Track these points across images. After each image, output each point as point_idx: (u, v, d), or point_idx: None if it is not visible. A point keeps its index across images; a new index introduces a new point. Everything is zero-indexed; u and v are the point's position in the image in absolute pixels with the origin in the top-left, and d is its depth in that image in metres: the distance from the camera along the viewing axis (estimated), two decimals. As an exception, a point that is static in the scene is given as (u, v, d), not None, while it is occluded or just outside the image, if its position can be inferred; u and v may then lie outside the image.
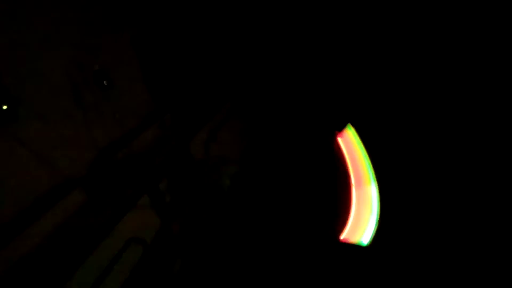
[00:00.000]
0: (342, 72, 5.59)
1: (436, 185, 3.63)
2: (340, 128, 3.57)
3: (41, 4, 2.55)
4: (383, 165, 3.70)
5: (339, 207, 3.27)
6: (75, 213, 2.42)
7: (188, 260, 2.86)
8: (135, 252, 2.34)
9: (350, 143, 3.28)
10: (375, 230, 2.73)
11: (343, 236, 2.88)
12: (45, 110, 2.49)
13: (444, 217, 2.98)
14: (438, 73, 4.41)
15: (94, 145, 2.83)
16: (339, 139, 3.36)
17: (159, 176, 2.89)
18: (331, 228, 3.11)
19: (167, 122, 3.69)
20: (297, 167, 4.32)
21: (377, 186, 2.94)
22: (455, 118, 3.79)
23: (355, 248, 2.85)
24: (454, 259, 2.62)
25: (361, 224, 2.82)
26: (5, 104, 2.12)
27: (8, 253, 1.98)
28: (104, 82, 2.75)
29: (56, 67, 2.63)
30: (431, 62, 4.53)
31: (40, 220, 2.21)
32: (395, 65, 5.10)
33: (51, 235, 2.22)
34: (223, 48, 5.50)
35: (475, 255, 2.47)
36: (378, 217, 2.77)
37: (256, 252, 3.26)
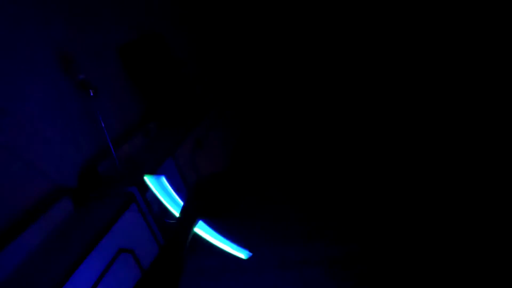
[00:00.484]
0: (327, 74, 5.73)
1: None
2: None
3: (24, 5, 2.51)
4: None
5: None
6: (62, 223, 2.37)
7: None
8: (124, 262, 2.31)
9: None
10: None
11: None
12: (30, 118, 2.45)
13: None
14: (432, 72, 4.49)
15: (79, 154, 2.79)
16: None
17: (146, 185, 2.86)
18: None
19: (152, 131, 3.68)
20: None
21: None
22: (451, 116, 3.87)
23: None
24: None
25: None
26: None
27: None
28: (90, 90, 2.72)
29: (39, 74, 2.59)
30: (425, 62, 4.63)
31: (25, 232, 2.16)
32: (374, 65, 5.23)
33: (37, 247, 2.17)
34: (209, 56, 5.54)
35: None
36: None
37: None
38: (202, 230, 1.17)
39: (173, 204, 1.31)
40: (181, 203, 1.27)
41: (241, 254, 1.23)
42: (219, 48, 5.77)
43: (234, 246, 1.21)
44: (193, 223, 1.03)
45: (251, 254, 1.22)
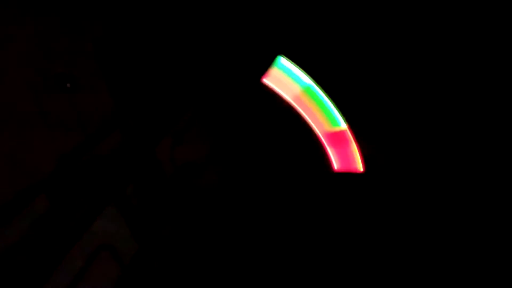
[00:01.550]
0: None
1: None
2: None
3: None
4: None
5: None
6: (39, 222, 2.33)
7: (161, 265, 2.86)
8: (104, 260, 2.30)
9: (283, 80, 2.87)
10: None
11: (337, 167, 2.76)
12: (4, 114, 2.38)
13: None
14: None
15: (56, 151, 2.73)
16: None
17: (126, 181, 2.85)
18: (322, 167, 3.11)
19: (131, 127, 3.63)
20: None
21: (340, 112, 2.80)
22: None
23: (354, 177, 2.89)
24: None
25: (346, 153, 2.68)
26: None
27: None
28: (67, 85, 2.66)
29: (13, 68, 2.52)
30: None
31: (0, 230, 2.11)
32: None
33: (14, 246, 2.13)
34: (186, 52, 5.47)
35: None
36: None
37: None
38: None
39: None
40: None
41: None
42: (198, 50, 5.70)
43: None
44: None
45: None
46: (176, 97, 4.25)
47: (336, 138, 2.81)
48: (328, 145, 2.87)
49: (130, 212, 2.69)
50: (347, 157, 2.84)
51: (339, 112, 2.70)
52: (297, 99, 2.84)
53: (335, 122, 2.71)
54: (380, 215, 3.12)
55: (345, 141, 2.76)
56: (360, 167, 2.68)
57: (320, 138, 2.85)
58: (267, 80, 2.79)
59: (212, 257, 3.04)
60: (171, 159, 3.50)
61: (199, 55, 5.75)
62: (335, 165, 2.86)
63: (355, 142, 2.80)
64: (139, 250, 2.63)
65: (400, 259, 2.65)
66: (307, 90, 2.81)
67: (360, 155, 2.73)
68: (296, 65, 2.91)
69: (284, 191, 3.70)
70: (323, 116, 2.72)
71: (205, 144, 4.37)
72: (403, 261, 2.62)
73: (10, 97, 2.47)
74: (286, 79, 2.79)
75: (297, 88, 2.81)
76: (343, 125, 2.67)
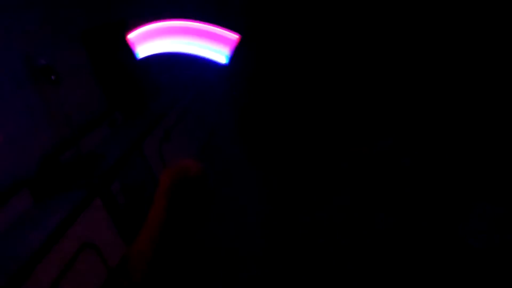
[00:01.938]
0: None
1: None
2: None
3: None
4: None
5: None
6: (20, 218, 2.24)
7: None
8: (88, 258, 2.23)
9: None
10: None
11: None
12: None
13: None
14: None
15: (40, 144, 2.64)
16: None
17: (112, 177, 2.77)
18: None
19: (118, 121, 3.55)
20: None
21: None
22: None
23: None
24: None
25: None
26: None
27: None
28: (52, 77, 2.57)
29: (-4, 59, 2.42)
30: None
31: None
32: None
33: (-7, 244, 2.04)
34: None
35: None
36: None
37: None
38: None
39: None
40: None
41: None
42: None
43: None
44: None
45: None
46: (165, 91, 4.18)
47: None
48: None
49: (116, 210, 2.62)
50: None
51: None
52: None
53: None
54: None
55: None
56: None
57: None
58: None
59: (204, 258, 2.98)
60: (159, 156, 3.43)
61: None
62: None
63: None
64: (127, 251, 2.56)
65: (399, 260, 2.66)
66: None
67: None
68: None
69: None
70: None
71: (194, 139, 4.31)
72: (403, 262, 2.63)
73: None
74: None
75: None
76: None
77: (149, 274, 0.98)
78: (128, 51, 2.14)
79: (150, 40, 2.35)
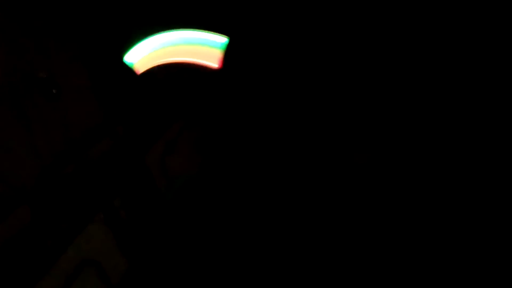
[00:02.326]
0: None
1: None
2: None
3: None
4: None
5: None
6: (19, 235, 2.17)
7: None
8: (89, 276, 2.15)
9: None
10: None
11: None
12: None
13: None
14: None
15: (40, 159, 2.58)
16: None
17: (113, 192, 2.71)
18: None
19: (119, 134, 3.50)
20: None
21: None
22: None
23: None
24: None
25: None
26: None
27: None
28: (53, 90, 2.53)
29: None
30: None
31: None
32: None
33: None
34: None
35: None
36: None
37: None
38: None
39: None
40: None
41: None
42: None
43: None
44: None
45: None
46: (168, 103, 4.13)
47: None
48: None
49: (118, 225, 2.55)
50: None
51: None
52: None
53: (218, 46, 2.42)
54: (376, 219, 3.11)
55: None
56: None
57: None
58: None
59: (208, 274, 2.90)
60: (162, 169, 3.37)
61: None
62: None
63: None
64: (130, 268, 2.48)
65: (395, 262, 2.63)
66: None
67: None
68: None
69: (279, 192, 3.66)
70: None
71: (198, 153, 4.25)
72: (398, 263, 2.60)
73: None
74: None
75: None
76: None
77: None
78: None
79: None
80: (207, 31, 2.20)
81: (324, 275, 2.74)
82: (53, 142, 2.72)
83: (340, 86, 5.09)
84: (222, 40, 2.23)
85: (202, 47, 2.28)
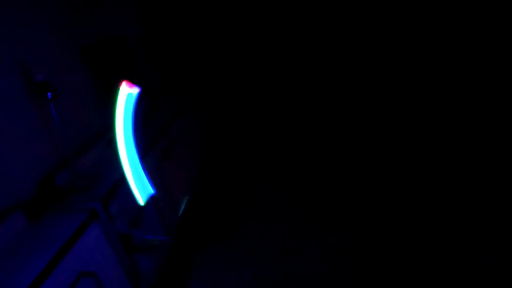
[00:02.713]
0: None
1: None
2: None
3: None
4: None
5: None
6: (14, 243, 2.09)
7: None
8: (85, 286, 2.07)
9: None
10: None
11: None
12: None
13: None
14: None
15: (36, 164, 2.50)
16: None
17: (110, 199, 2.63)
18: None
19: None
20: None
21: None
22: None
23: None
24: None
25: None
26: None
27: None
28: (49, 94, 2.46)
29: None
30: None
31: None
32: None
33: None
34: (176, 62, 5.34)
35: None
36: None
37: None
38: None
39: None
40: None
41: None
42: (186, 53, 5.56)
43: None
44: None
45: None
46: (164, 108, 4.08)
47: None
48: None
49: (114, 234, 2.47)
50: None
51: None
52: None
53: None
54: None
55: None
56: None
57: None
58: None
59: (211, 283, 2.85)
60: (160, 175, 3.30)
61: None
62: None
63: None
64: (128, 279, 2.40)
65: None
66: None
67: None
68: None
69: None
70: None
71: (195, 159, 4.20)
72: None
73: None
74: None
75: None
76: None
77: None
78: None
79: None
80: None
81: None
82: (50, 146, 2.65)
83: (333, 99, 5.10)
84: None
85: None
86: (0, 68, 2.33)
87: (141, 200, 2.47)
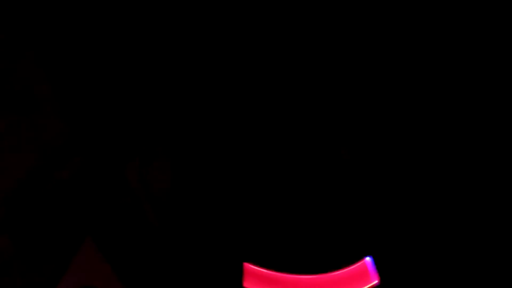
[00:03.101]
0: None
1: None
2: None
3: None
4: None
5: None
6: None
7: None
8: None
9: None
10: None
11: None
12: None
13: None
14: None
15: (11, 179, 2.29)
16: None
17: (95, 209, 2.49)
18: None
19: (93, 150, 3.25)
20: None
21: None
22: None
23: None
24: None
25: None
26: None
27: None
28: (24, 103, 2.28)
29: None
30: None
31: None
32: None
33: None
34: (146, 65, 5.15)
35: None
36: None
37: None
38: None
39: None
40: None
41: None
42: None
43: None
44: None
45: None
46: (143, 114, 3.92)
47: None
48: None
49: (108, 246, 2.33)
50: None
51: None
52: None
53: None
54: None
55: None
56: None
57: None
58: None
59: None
60: (142, 185, 3.17)
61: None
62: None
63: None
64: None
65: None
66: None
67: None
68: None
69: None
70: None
71: (174, 169, 4.08)
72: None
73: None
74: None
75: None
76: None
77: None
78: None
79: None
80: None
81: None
82: (24, 159, 2.44)
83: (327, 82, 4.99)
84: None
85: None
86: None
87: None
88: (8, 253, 1.96)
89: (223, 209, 3.59)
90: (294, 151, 3.78)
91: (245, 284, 2.13)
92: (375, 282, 2.39)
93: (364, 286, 2.33)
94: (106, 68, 3.46)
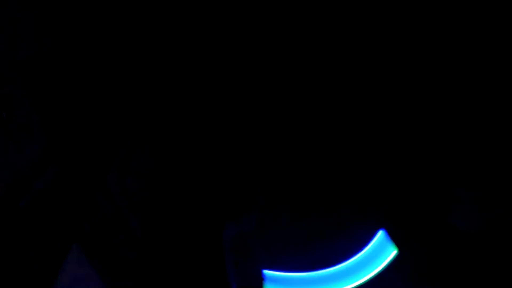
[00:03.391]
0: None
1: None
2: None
3: None
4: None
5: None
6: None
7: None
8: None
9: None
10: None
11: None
12: None
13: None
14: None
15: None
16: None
17: (79, 218, 2.49)
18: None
19: (71, 158, 3.21)
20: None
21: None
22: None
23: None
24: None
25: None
26: None
27: None
28: (3, 114, 2.26)
29: None
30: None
31: None
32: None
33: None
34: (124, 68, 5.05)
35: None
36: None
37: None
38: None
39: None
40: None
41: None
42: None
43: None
44: None
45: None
46: (122, 121, 3.88)
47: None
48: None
49: (94, 253, 2.35)
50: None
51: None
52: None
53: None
54: None
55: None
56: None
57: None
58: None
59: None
60: (122, 190, 3.18)
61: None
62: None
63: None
64: None
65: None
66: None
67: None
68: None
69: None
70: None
71: (153, 172, 4.08)
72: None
73: None
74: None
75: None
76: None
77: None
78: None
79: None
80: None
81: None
82: (5, 170, 2.40)
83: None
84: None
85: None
86: None
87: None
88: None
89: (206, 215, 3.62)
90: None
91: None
92: (394, 252, 2.51)
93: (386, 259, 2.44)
94: (82, 75, 3.42)
